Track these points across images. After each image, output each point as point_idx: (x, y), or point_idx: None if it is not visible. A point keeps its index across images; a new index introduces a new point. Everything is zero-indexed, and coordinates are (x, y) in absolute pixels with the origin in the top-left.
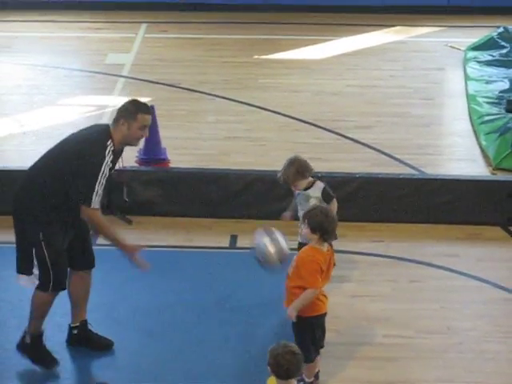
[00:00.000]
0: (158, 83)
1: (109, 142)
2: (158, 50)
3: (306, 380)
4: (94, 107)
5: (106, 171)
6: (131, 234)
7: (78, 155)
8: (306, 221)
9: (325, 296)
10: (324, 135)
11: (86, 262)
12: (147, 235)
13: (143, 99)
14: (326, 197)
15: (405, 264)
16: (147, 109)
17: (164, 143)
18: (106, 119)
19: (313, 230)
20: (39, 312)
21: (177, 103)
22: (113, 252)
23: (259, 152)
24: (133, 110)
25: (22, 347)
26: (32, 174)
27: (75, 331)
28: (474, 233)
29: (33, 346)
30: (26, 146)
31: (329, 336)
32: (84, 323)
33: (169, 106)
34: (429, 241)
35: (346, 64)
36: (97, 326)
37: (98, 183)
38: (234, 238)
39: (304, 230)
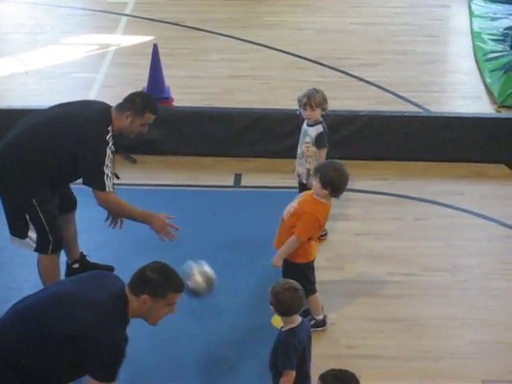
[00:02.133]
0: (161, 21)
1: (109, 128)
2: None
3: (317, 318)
4: (96, 46)
5: (110, 154)
6: (135, 173)
7: (80, 138)
8: (318, 175)
9: (316, 242)
10: (328, 73)
11: (68, 204)
12: (151, 174)
13: (146, 38)
14: (318, 141)
15: (409, 202)
16: (156, 108)
17: (168, 82)
18: (109, 58)
19: (324, 186)
20: (49, 279)
21: (180, 42)
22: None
23: (263, 90)
24: (141, 107)
25: None
26: (21, 144)
27: (76, 265)
28: (479, 170)
29: None
30: (29, 86)
31: (333, 274)
32: (82, 256)
33: (172, 44)
34: (433, 179)
35: (350, 1)
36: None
37: (105, 166)
38: (238, 177)
39: (314, 183)
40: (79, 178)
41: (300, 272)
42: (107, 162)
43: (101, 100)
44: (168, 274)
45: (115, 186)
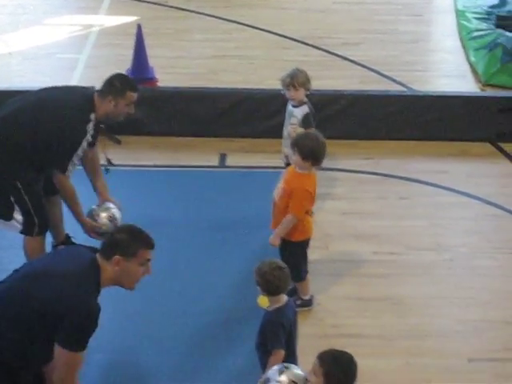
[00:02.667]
0: (144, 1)
1: (92, 116)
2: None
3: (304, 297)
4: (79, 27)
5: (85, 144)
6: (120, 153)
7: (59, 124)
8: (296, 148)
9: (311, 216)
10: (312, 52)
11: (54, 187)
12: (135, 154)
13: (129, 18)
14: (304, 122)
15: (394, 181)
16: (135, 86)
17: (151, 62)
18: (93, 39)
19: (305, 158)
20: None
21: (164, 22)
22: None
23: (248, 70)
24: (121, 87)
25: None
26: (4, 128)
27: (61, 247)
28: (464, 149)
29: None
30: (12, 67)
31: (318, 254)
32: (67, 237)
33: (156, 24)
34: (418, 157)
35: None
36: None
37: (75, 155)
38: (223, 157)
39: (294, 157)
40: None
41: (300, 250)
42: (79, 151)
43: (85, 81)
44: (136, 233)
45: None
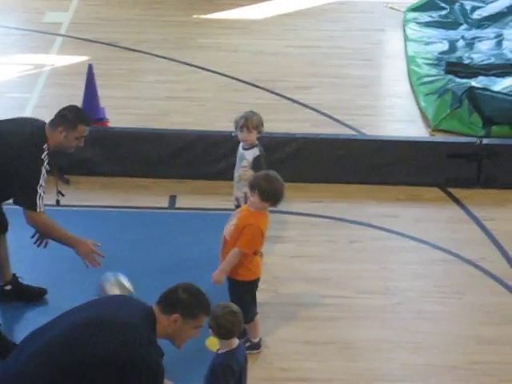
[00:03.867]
0: (96, 42)
1: (45, 146)
2: (96, 9)
3: (253, 340)
4: (31, 66)
5: (45, 172)
6: (69, 193)
7: (14, 156)
8: (257, 191)
9: (260, 257)
10: (264, 95)
11: (0, 226)
12: (85, 195)
13: (81, 58)
14: (255, 165)
15: (344, 225)
16: (87, 120)
17: (103, 103)
18: (44, 78)
19: (264, 200)
20: None
21: (116, 62)
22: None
23: (199, 112)
24: (73, 120)
25: None
26: None
27: (8, 287)
28: (413, 194)
29: None
30: None
31: (267, 296)
32: (14, 277)
33: (107, 65)
34: (368, 201)
35: (285, 24)
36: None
37: (39, 186)
38: (173, 199)
39: (252, 198)
40: (10, 197)
41: (247, 290)
42: (41, 181)
43: None
44: (199, 296)
45: (53, 207)
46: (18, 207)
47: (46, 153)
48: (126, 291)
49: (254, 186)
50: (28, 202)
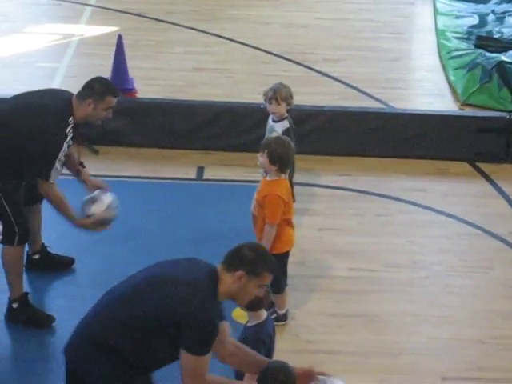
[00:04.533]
0: (125, 12)
1: (70, 119)
2: None
3: (279, 312)
4: (60, 35)
5: (66, 147)
6: (97, 163)
7: (39, 128)
8: (266, 151)
9: (293, 228)
10: (292, 68)
11: (35, 196)
12: (113, 165)
13: (110, 28)
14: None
15: (371, 198)
16: (116, 90)
17: (131, 73)
18: (73, 48)
19: (272, 162)
20: (14, 271)
21: (144, 33)
22: (73, 181)
23: (227, 84)
24: (102, 91)
25: (12, 315)
26: None
27: (36, 256)
28: (441, 168)
29: (22, 309)
30: None
31: (295, 269)
32: (43, 246)
33: (136, 36)
34: (396, 175)
35: None
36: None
37: (57, 160)
38: (200, 170)
39: (262, 160)
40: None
41: (280, 262)
42: (61, 155)
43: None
44: (265, 254)
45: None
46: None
47: (70, 127)
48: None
49: (264, 146)
50: (43, 173)
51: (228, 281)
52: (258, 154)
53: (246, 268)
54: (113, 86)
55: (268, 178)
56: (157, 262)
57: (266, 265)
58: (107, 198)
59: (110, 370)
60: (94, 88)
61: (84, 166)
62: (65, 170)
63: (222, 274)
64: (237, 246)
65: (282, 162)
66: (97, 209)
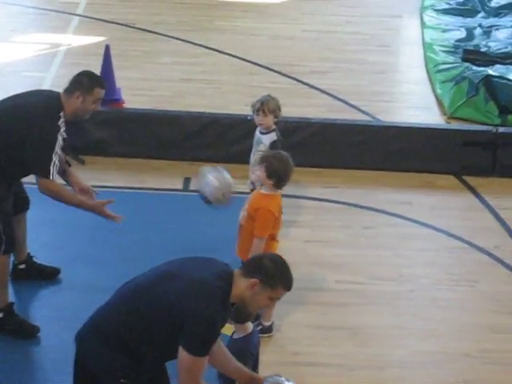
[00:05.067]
0: (112, 23)
1: (61, 113)
2: None
3: (265, 324)
4: (47, 45)
5: (61, 141)
6: (83, 173)
7: (29, 124)
8: (264, 164)
9: (277, 242)
10: (279, 79)
11: (21, 204)
12: (100, 175)
13: (97, 38)
14: (272, 149)
15: (358, 210)
16: (103, 82)
17: (119, 83)
18: (60, 58)
19: (269, 176)
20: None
21: (132, 43)
22: None
23: (214, 94)
24: (89, 84)
25: None
26: None
27: (22, 266)
28: (428, 181)
29: (7, 319)
30: None
31: None
32: (29, 256)
33: (124, 46)
34: (383, 188)
35: (302, 9)
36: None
37: (54, 154)
38: (187, 181)
39: (259, 173)
40: (30, 169)
41: None
42: (57, 148)
43: None
44: (284, 269)
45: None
46: (34, 186)
47: (62, 120)
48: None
49: (263, 159)
50: (42, 170)
51: (242, 285)
52: (255, 167)
53: (262, 277)
54: (100, 78)
55: (262, 191)
56: (175, 259)
57: (283, 280)
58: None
59: (116, 366)
60: (82, 81)
61: (70, 165)
62: None
63: (238, 277)
64: (260, 254)
65: (278, 177)
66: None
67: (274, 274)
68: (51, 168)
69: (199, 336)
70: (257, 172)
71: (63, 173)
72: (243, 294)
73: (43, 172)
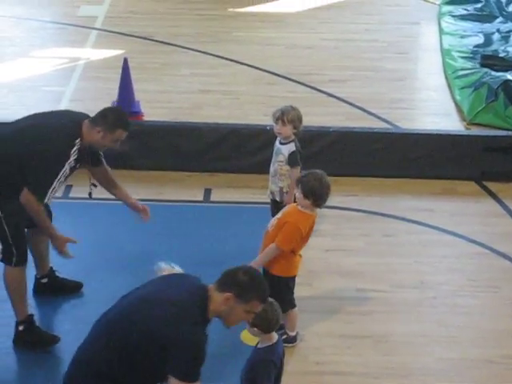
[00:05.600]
0: (131, 36)
1: (77, 141)
2: (131, 2)
3: (290, 334)
4: (66, 59)
5: (68, 170)
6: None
7: (43, 147)
8: (300, 185)
9: (300, 257)
10: (298, 89)
11: None
12: None
13: (116, 51)
14: (291, 160)
15: (378, 218)
16: (127, 124)
17: (137, 96)
18: (79, 72)
19: (305, 196)
20: (17, 293)
21: (150, 56)
22: (78, 204)
23: (233, 105)
24: (113, 123)
25: (18, 338)
26: None
27: (45, 280)
28: (448, 187)
29: (28, 331)
30: None
31: (303, 290)
32: (51, 270)
33: (142, 58)
34: (403, 195)
35: (320, 17)
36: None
37: (56, 180)
38: (207, 192)
39: (297, 194)
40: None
41: (284, 285)
42: (60, 176)
43: None
44: (258, 282)
45: (85, 200)
46: (59, 201)
47: (75, 148)
48: None
49: (298, 180)
50: (39, 191)
51: (218, 300)
52: (275, 178)
53: (236, 291)
54: (126, 119)
55: (299, 208)
56: (146, 282)
57: (257, 293)
58: None
59: None
60: (107, 117)
61: (95, 186)
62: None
63: (213, 292)
64: (234, 268)
65: (315, 195)
66: None
67: (248, 288)
68: (48, 193)
69: (188, 362)
70: (296, 194)
71: (111, 186)
72: (219, 309)
73: (39, 194)
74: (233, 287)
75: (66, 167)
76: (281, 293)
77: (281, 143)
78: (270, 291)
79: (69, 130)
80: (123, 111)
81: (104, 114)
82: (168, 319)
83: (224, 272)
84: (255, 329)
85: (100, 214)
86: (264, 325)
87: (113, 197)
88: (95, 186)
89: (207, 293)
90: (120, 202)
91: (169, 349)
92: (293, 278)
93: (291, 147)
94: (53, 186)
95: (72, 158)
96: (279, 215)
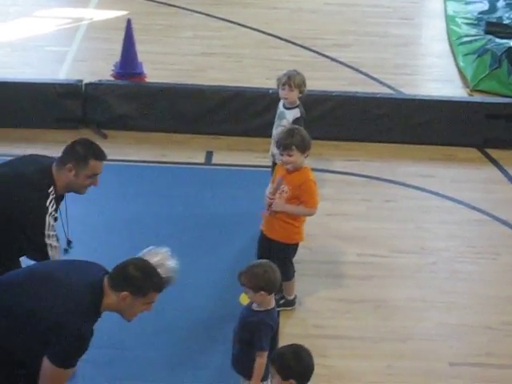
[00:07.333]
0: None
1: (50, 190)
2: None
3: (288, 297)
4: (69, 19)
5: (52, 221)
6: (106, 148)
7: (14, 207)
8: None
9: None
10: (301, 53)
11: None
12: (122, 149)
13: (119, 12)
14: (295, 125)
15: (379, 183)
16: (101, 154)
17: (140, 57)
18: (82, 32)
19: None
20: None
21: (154, 17)
22: None
23: (236, 68)
24: (84, 155)
25: None
26: None
27: None
28: (450, 154)
29: None
30: (0, 58)
31: (302, 254)
32: None
33: (145, 20)
34: (404, 161)
35: None
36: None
37: (47, 237)
38: (209, 154)
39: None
40: (22, 251)
41: (293, 251)
42: (48, 231)
43: (74, 73)
44: (151, 273)
45: None
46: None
47: (51, 198)
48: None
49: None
50: (41, 257)
51: (113, 298)
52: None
53: (131, 289)
54: (98, 148)
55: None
56: (47, 261)
57: (152, 284)
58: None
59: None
60: (76, 151)
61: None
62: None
63: (108, 289)
64: (123, 263)
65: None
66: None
67: (143, 283)
68: (49, 252)
69: (66, 349)
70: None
71: None
72: (117, 306)
73: (40, 252)
74: (128, 286)
75: (48, 220)
76: (288, 259)
77: (285, 107)
78: (277, 260)
79: (39, 180)
80: (92, 141)
81: (71, 148)
82: (60, 305)
83: (114, 269)
84: (262, 292)
85: (102, 175)
86: (269, 286)
87: (116, 158)
88: (70, 241)
89: (102, 287)
90: (121, 163)
91: (52, 334)
92: (297, 245)
93: (296, 113)
94: (48, 244)
95: (51, 209)
96: (284, 187)
